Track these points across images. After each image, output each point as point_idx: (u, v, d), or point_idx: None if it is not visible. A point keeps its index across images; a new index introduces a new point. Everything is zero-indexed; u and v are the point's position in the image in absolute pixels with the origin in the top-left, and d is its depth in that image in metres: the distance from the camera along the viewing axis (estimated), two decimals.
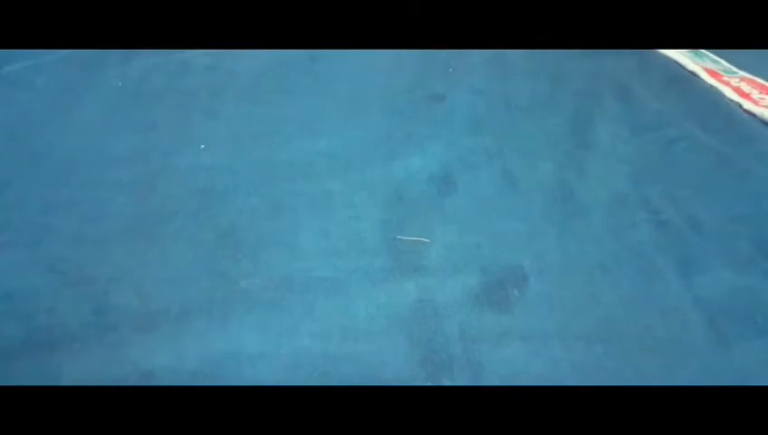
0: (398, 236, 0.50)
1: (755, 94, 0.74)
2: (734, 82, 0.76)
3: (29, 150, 0.56)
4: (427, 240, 0.50)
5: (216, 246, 0.48)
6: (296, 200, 0.53)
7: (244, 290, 0.44)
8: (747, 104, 0.72)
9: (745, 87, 0.75)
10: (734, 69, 0.79)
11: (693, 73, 0.78)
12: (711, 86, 0.76)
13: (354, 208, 0.52)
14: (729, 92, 0.74)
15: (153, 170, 0.54)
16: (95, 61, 0.67)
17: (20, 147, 0.56)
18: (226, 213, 0.51)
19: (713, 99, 0.74)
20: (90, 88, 0.64)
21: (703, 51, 0.83)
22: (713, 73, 0.78)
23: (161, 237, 0.48)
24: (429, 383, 0.40)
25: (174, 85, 0.65)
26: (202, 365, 0.40)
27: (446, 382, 0.40)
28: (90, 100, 0.63)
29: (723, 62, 0.81)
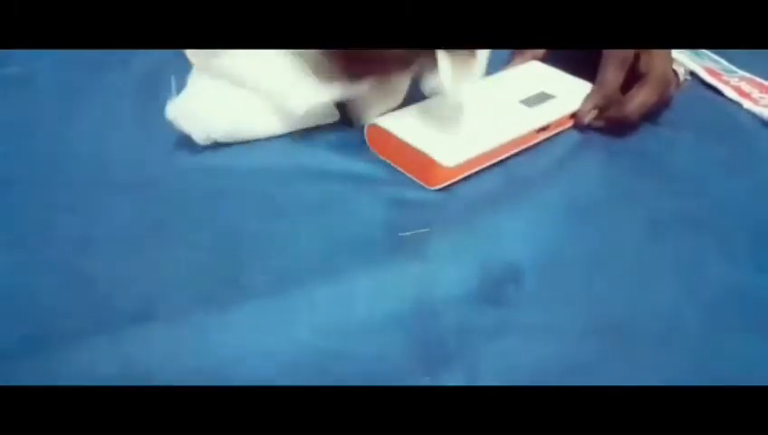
0: (401, 234, 0.50)
1: (755, 94, 0.74)
2: (734, 81, 0.76)
3: (29, 150, 0.56)
4: (426, 229, 0.50)
5: (216, 245, 0.48)
6: (296, 199, 0.53)
7: (243, 289, 0.45)
8: (747, 104, 0.72)
9: (745, 86, 0.75)
10: (734, 68, 0.79)
11: (692, 72, 0.78)
12: (710, 85, 0.76)
13: (354, 206, 0.53)
14: (729, 92, 0.74)
15: (153, 170, 0.54)
16: (95, 61, 0.67)
17: (20, 147, 0.56)
18: (226, 213, 0.51)
19: (712, 98, 0.74)
20: (90, 88, 0.64)
21: (702, 50, 0.83)
22: (712, 72, 0.78)
23: (161, 237, 0.48)
24: (427, 379, 0.40)
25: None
26: (202, 364, 0.40)
27: (443, 378, 0.40)
28: (90, 100, 0.63)
29: (722, 61, 0.81)
